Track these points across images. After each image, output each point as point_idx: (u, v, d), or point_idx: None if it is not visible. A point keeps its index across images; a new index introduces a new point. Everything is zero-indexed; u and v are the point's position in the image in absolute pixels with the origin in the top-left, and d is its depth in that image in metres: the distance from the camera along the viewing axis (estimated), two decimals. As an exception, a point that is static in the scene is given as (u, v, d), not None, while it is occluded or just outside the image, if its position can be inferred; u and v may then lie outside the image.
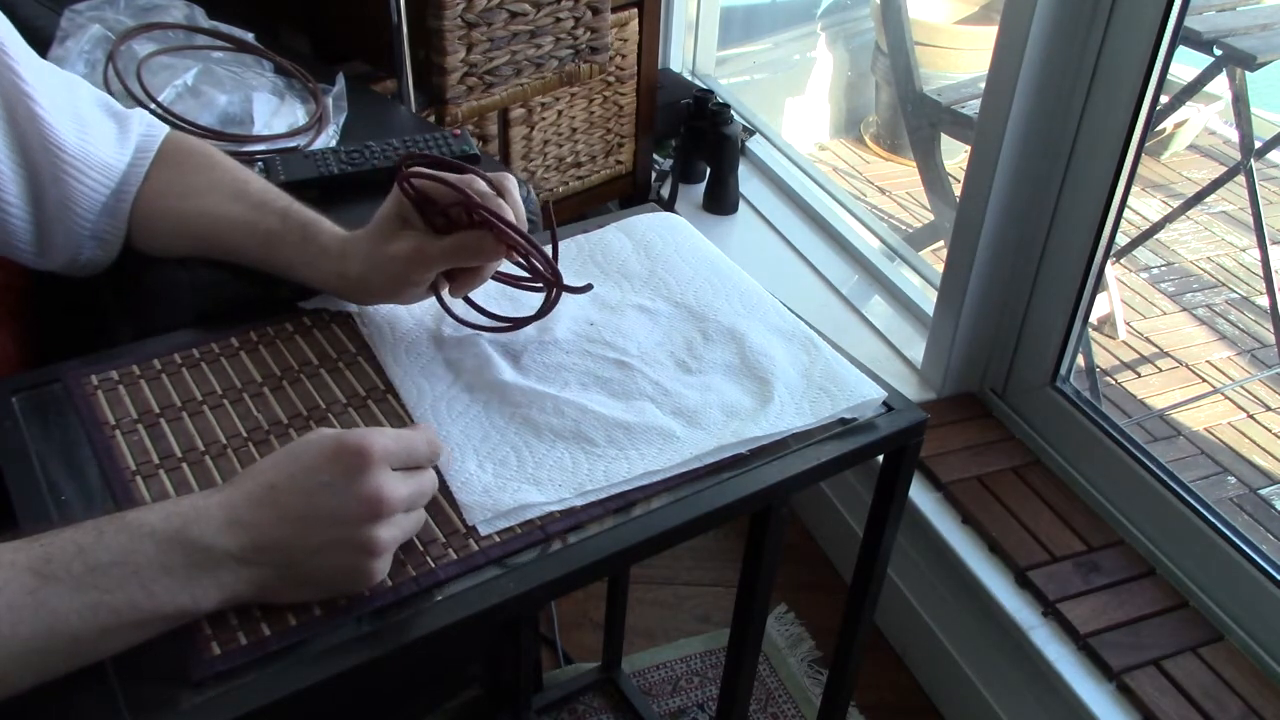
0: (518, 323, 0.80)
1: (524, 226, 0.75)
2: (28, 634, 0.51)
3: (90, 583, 0.52)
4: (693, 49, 2.36)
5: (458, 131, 1.05)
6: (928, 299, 1.67)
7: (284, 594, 0.58)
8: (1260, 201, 2.10)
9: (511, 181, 0.76)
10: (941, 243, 2.36)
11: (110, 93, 1.01)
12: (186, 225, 0.83)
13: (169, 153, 0.85)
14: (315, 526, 0.57)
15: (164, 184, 0.84)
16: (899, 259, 1.89)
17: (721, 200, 2.02)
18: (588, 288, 0.80)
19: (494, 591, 0.62)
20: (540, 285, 0.79)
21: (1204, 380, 2.28)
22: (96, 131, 0.82)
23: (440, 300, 0.80)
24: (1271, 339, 2.30)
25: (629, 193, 2.01)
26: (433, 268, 0.76)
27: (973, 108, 2.27)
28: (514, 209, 0.74)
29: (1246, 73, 2.02)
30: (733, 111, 1.98)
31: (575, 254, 0.91)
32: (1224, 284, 2.60)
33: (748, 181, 2.09)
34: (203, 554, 0.55)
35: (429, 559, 0.63)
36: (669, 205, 1.99)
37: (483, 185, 0.74)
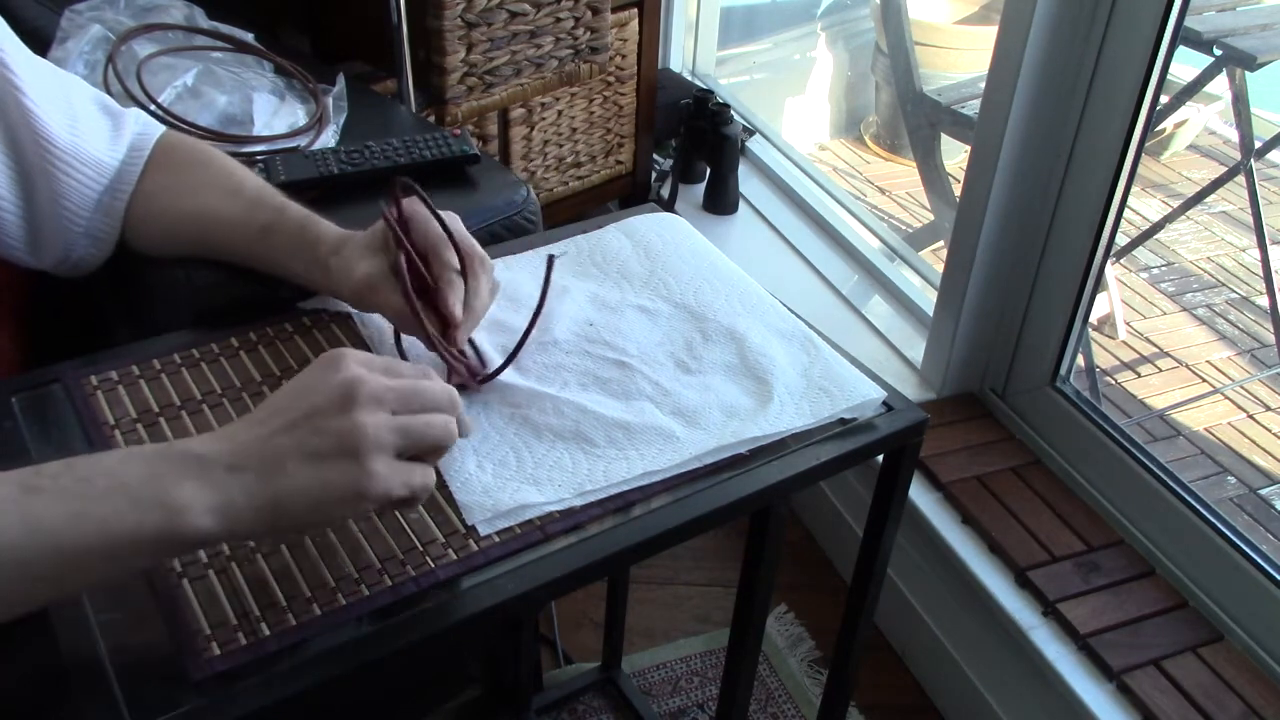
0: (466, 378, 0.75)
1: (480, 313, 0.75)
2: (11, 540, 0.51)
3: (76, 492, 0.52)
4: (693, 49, 2.36)
5: (457, 131, 1.05)
6: (928, 299, 1.67)
7: (282, 512, 0.56)
8: (1260, 201, 2.10)
9: (486, 263, 0.76)
10: (941, 243, 2.36)
11: (110, 93, 1.01)
12: (181, 224, 0.83)
13: (163, 153, 0.85)
14: (294, 427, 0.56)
15: (158, 184, 0.84)
16: (899, 259, 1.89)
17: (721, 200, 2.02)
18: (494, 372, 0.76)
19: (494, 591, 0.62)
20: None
21: (1204, 380, 2.28)
22: (89, 128, 0.82)
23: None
24: (1271, 339, 2.30)
25: (629, 193, 2.01)
26: (378, 303, 0.75)
27: (973, 108, 2.27)
28: (474, 300, 0.74)
29: (1246, 73, 2.02)
30: (733, 111, 1.98)
31: (575, 254, 0.91)
32: (1224, 284, 2.60)
33: (748, 181, 2.09)
34: (192, 461, 0.54)
35: (429, 559, 0.63)
36: (669, 205, 1.99)
37: (450, 257, 0.74)
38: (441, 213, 0.75)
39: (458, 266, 0.74)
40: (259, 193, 0.82)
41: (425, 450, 0.60)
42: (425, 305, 0.72)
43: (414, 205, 0.75)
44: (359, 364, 0.58)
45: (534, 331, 0.80)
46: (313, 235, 0.78)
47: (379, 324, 0.80)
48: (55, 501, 0.52)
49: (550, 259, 0.81)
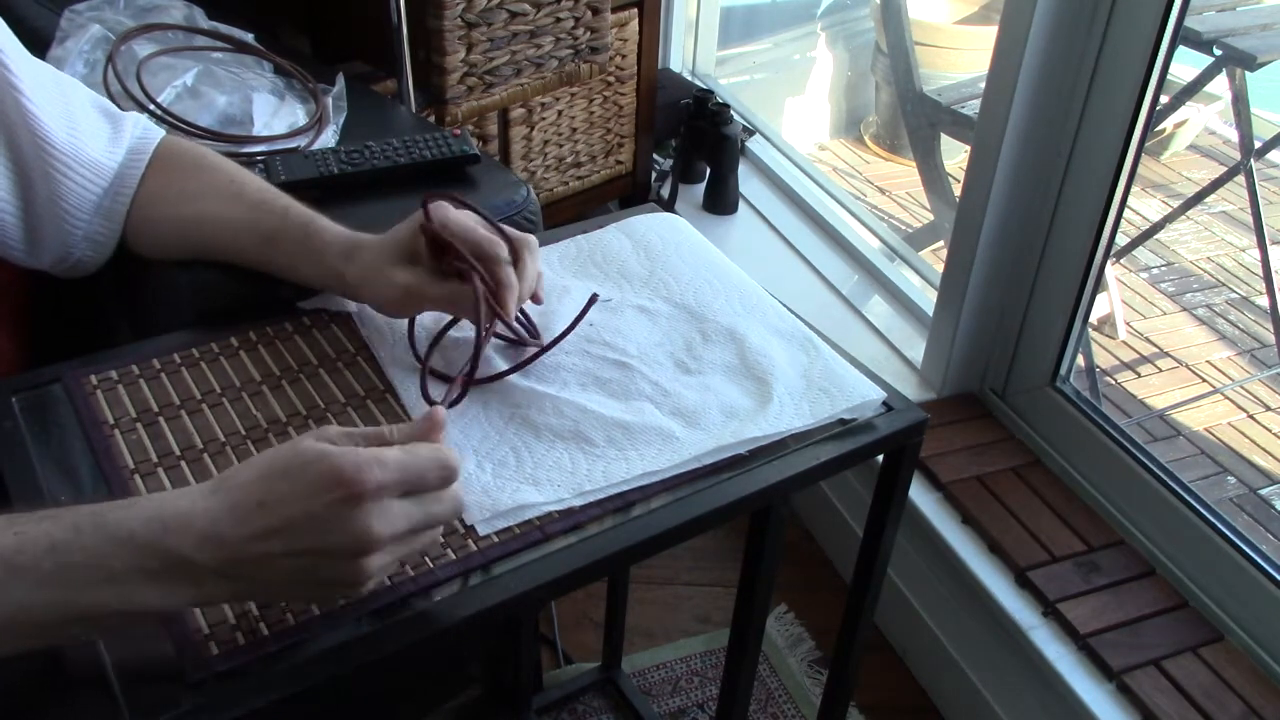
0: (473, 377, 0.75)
1: (528, 290, 0.76)
2: None
3: (58, 580, 0.52)
4: (693, 49, 2.36)
5: (458, 131, 1.05)
6: (928, 299, 1.67)
7: (261, 602, 0.59)
8: (1260, 201, 2.10)
9: (532, 244, 0.77)
10: (941, 243, 2.36)
11: (110, 94, 1.01)
12: (184, 230, 0.83)
13: (164, 157, 0.85)
14: (296, 556, 0.54)
15: (159, 189, 0.83)
16: (899, 259, 1.89)
17: (721, 200, 2.02)
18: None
19: (494, 591, 0.62)
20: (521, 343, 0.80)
21: (1204, 380, 2.28)
22: (88, 130, 0.81)
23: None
24: (1271, 339, 2.30)
25: (629, 193, 2.01)
26: (423, 309, 0.77)
27: (973, 108, 2.27)
28: (523, 278, 0.75)
29: (1246, 73, 2.02)
30: (733, 111, 1.98)
31: (575, 254, 0.91)
32: (1224, 284, 2.60)
33: (748, 181, 2.09)
34: (180, 564, 0.53)
35: (428, 559, 0.63)
36: (669, 205, 1.99)
37: (500, 249, 0.74)
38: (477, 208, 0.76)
39: (509, 258, 0.75)
40: (261, 196, 0.82)
41: None
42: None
43: (447, 213, 0.75)
44: (378, 507, 0.55)
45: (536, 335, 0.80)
46: (319, 243, 0.78)
47: (378, 324, 0.80)
48: (39, 587, 0.52)
49: (593, 297, 0.80)
